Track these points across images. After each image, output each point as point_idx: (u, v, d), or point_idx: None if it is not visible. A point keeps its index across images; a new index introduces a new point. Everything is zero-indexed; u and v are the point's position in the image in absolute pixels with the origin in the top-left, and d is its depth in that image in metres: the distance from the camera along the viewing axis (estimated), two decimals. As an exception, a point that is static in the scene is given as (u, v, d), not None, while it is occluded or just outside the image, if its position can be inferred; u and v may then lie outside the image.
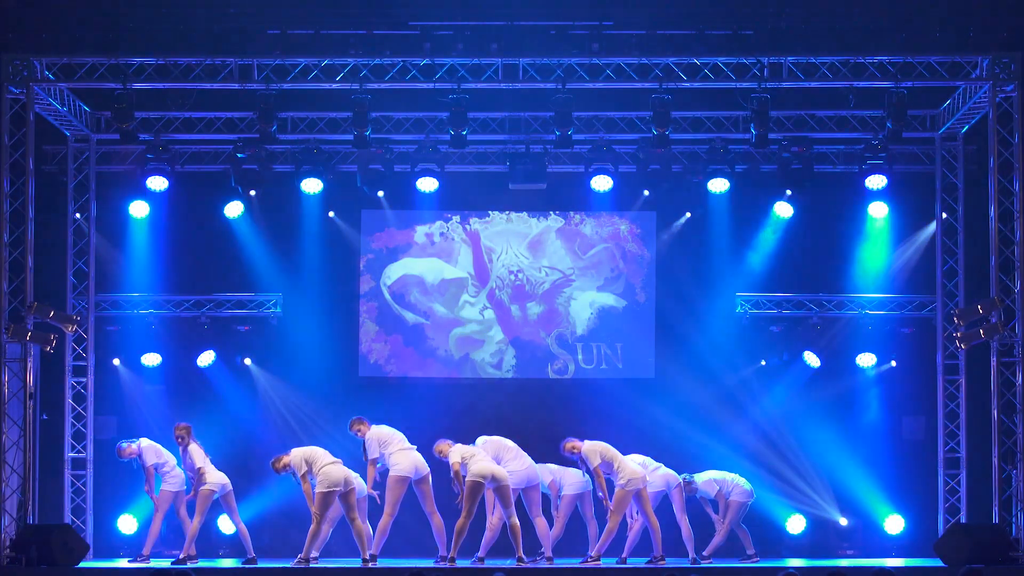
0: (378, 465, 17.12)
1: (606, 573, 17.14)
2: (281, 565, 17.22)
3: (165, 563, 17.93)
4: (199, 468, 17.62)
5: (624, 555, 17.75)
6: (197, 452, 17.73)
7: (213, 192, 20.58)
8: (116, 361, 20.52)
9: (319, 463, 16.83)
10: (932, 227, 20.34)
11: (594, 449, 17.28)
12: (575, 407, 20.59)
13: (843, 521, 20.19)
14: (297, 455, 16.96)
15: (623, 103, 19.79)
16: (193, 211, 20.68)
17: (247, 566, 17.33)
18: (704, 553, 18.07)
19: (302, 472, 16.81)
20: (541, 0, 18.63)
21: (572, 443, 17.38)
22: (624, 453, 17.61)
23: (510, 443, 17.45)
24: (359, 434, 17.32)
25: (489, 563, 16.94)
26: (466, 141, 19.08)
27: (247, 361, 20.68)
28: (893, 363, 20.61)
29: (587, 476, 17.45)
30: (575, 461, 17.51)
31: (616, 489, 17.26)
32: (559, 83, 18.34)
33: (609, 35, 18.28)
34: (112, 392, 20.34)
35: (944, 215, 20.10)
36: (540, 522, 17.44)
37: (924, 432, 20.47)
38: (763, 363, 20.66)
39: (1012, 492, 17.88)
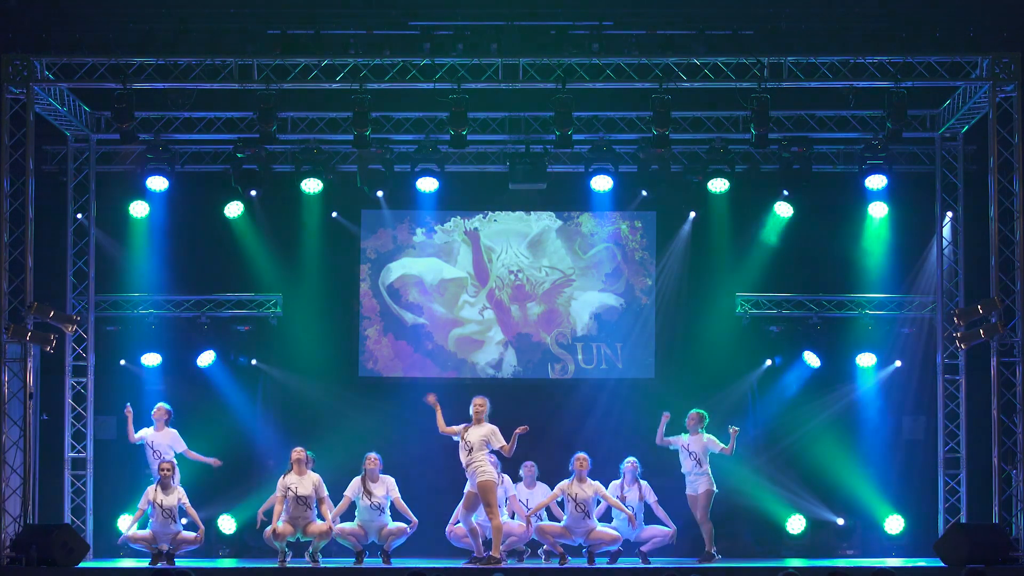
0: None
1: (606, 573, 17.15)
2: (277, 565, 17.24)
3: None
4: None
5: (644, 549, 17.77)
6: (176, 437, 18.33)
7: (213, 192, 20.59)
8: (123, 362, 20.52)
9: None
10: (944, 233, 20.26)
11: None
12: (575, 407, 20.60)
13: (840, 521, 20.18)
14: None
15: (623, 103, 19.80)
16: (193, 211, 20.68)
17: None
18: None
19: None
20: (541, 0, 18.64)
21: (582, 461, 17.38)
22: (624, 454, 17.60)
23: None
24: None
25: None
26: (466, 141, 19.06)
27: (253, 361, 20.67)
28: (898, 363, 20.60)
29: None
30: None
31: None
32: (559, 83, 18.33)
33: (609, 35, 18.31)
34: (112, 392, 20.32)
35: (949, 214, 20.09)
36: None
37: (924, 432, 20.47)
38: (769, 363, 20.65)
39: (1012, 492, 17.88)
